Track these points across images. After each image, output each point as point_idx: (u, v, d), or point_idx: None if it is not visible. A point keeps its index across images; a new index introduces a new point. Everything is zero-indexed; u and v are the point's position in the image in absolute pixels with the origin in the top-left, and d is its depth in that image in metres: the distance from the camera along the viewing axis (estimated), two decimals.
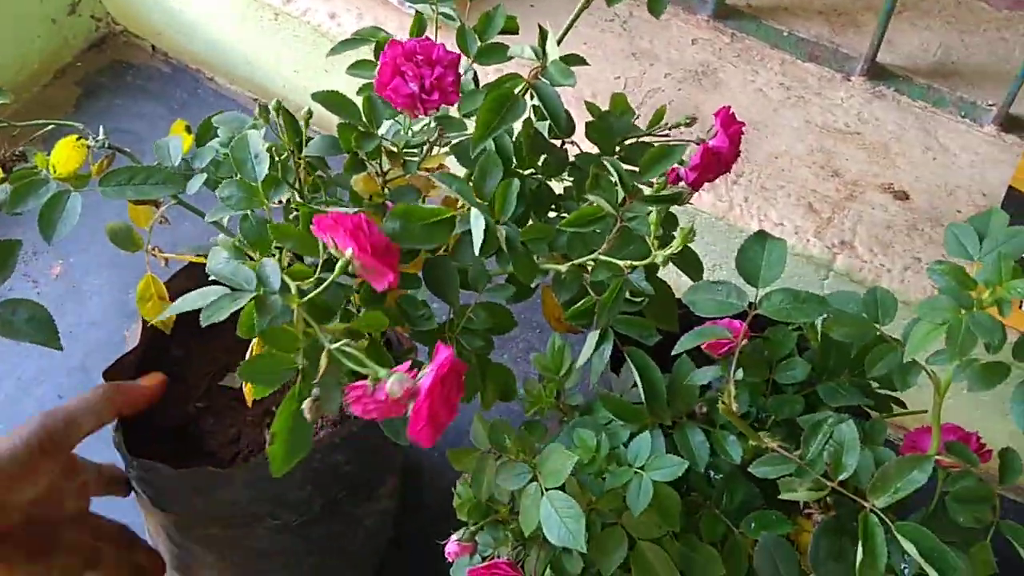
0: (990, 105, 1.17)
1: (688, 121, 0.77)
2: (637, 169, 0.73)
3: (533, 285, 0.68)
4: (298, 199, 0.67)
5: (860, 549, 0.60)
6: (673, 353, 0.65)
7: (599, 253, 0.62)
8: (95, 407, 0.75)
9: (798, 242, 1.10)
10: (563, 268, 0.64)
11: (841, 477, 0.62)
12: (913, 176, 1.14)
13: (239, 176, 0.63)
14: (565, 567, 0.69)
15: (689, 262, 0.69)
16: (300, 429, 0.54)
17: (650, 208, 0.62)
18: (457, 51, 0.69)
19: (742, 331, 0.64)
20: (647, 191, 0.65)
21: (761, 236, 0.68)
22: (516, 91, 0.67)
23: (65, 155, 0.68)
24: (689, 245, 0.59)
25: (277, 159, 0.64)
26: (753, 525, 0.70)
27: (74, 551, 0.73)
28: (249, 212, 0.62)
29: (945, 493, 0.69)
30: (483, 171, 0.65)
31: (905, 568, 0.68)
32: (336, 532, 0.88)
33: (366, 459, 0.85)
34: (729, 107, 0.73)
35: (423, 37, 0.68)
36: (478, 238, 0.59)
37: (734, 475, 0.73)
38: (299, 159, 0.67)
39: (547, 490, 0.64)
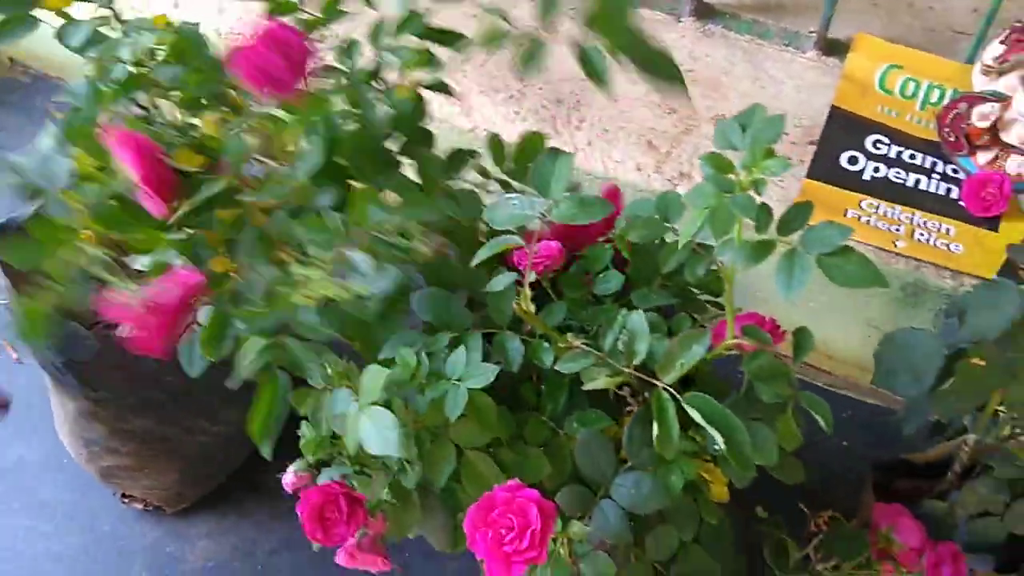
0: (811, 32, 1.23)
1: None
2: None
3: None
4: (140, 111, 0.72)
5: (655, 424, 0.64)
6: (472, 264, 0.68)
7: None
8: None
9: (641, 178, 1.15)
10: None
11: (635, 362, 0.67)
12: (744, 106, 1.19)
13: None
14: (402, 484, 0.73)
15: None
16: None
17: None
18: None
19: (534, 236, 0.68)
20: None
21: (553, 152, 0.72)
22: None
23: None
24: None
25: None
26: (575, 425, 0.74)
27: None
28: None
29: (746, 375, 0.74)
30: None
31: (717, 447, 0.73)
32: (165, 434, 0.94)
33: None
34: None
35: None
36: None
37: (558, 383, 0.77)
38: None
39: (365, 407, 0.67)
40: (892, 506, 0.83)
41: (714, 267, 0.78)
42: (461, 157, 0.82)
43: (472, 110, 1.21)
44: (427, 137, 0.85)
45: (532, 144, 0.83)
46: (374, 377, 0.67)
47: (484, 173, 0.86)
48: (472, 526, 0.63)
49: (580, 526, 0.64)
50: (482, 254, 0.67)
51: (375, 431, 0.65)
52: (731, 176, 0.65)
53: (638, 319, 0.67)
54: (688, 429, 0.75)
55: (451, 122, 1.21)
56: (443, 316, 0.73)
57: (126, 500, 1.21)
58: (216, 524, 1.20)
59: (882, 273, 0.64)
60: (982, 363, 0.77)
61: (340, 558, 0.72)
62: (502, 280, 0.69)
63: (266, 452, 0.71)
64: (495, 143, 0.85)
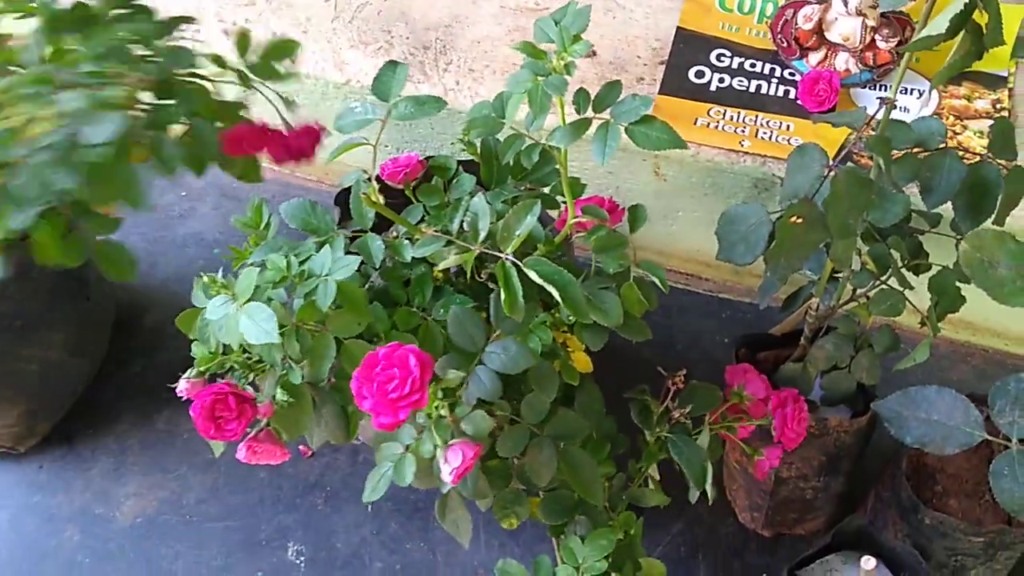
0: None
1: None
2: None
3: None
4: None
5: (502, 290, 0.72)
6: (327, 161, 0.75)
7: None
8: None
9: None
10: None
11: (480, 239, 0.74)
12: (598, 35, 1.28)
13: None
14: (292, 383, 0.79)
15: None
16: None
17: None
18: None
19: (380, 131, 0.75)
20: None
21: (391, 64, 0.79)
22: None
23: None
24: None
25: None
26: (441, 311, 0.81)
27: None
28: None
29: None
30: None
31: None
32: None
33: None
34: None
35: None
36: None
37: (423, 278, 0.84)
38: None
39: (242, 306, 0.73)
40: (739, 365, 0.93)
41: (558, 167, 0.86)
42: (171, 22, 0.85)
43: (344, 64, 1.28)
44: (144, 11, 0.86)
45: (285, 47, 0.88)
46: (247, 277, 0.74)
47: (220, 62, 0.89)
48: (358, 384, 0.69)
49: (455, 373, 0.71)
50: (332, 155, 0.74)
51: (252, 324, 0.72)
52: (545, 63, 0.73)
53: (479, 200, 0.75)
54: (552, 309, 0.84)
55: (325, 77, 1.27)
56: (309, 222, 0.79)
57: None
58: (141, 482, 1.25)
59: (680, 137, 0.72)
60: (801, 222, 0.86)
61: (241, 454, 0.78)
62: (351, 177, 0.76)
63: None
64: (242, 37, 0.89)
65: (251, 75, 0.80)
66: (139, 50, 0.77)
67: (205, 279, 0.79)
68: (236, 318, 0.73)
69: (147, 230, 1.48)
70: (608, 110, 0.74)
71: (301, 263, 0.77)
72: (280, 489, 1.23)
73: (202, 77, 0.76)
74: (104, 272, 0.88)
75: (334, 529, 1.20)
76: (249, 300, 0.73)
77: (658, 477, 0.92)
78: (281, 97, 0.81)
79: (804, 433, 0.86)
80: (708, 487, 0.81)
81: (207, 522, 1.21)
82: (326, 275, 0.76)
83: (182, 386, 0.79)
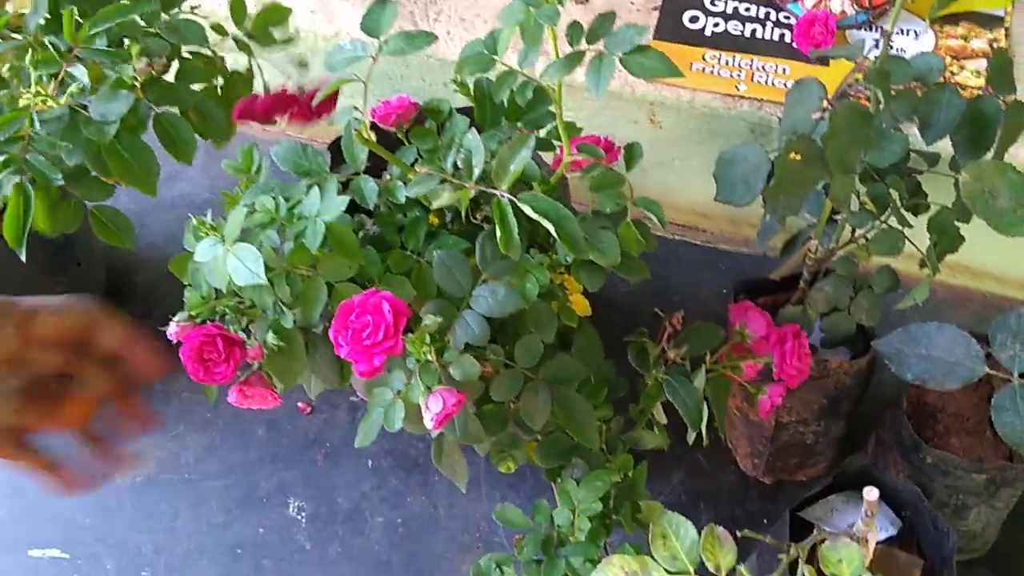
0: None
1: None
2: None
3: None
4: None
5: (497, 228, 0.71)
6: (314, 103, 0.74)
7: None
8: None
9: None
10: None
11: (475, 176, 0.73)
12: None
13: None
14: (284, 327, 0.78)
15: None
16: None
17: None
18: None
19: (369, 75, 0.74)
20: None
21: (381, 3, 0.78)
22: None
23: None
24: None
25: None
26: (435, 253, 0.80)
27: None
28: None
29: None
30: None
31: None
32: None
33: None
34: None
35: None
36: None
37: (417, 221, 0.83)
38: None
39: (230, 247, 0.72)
40: (740, 304, 0.92)
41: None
42: None
43: (333, 16, 1.26)
44: None
45: (276, 13, 0.89)
46: (234, 218, 0.72)
47: (220, 30, 0.90)
48: (335, 332, 0.69)
49: (432, 318, 0.70)
50: (321, 95, 0.73)
51: (240, 265, 0.71)
52: None
53: (472, 137, 0.73)
54: (548, 251, 0.83)
55: (314, 30, 1.26)
56: (300, 165, 0.78)
57: None
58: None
59: (676, 65, 0.71)
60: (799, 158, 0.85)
61: (232, 398, 0.78)
62: (342, 115, 0.74)
63: (22, 255, 0.80)
64: (237, 4, 0.89)
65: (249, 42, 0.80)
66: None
67: (195, 221, 0.78)
68: (224, 259, 0.72)
69: (135, 192, 1.45)
70: (602, 41, 0.72)
71: (291, 207, 0.76)
72: (279, 446, 1.23)
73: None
74: (101, 238, 0.87)
75: (334, 485, 1.19)
76: (238, 241, 0.72)
77: (665, 421, 0.91)
78: (295, 62, 0.81)
79: (806, 370, 0.85)
80: (704, 429, 0.81)
81: (206, 480, 1.21)
82: (316, 216, 0.75)
83: (172, 329, 0.78)
